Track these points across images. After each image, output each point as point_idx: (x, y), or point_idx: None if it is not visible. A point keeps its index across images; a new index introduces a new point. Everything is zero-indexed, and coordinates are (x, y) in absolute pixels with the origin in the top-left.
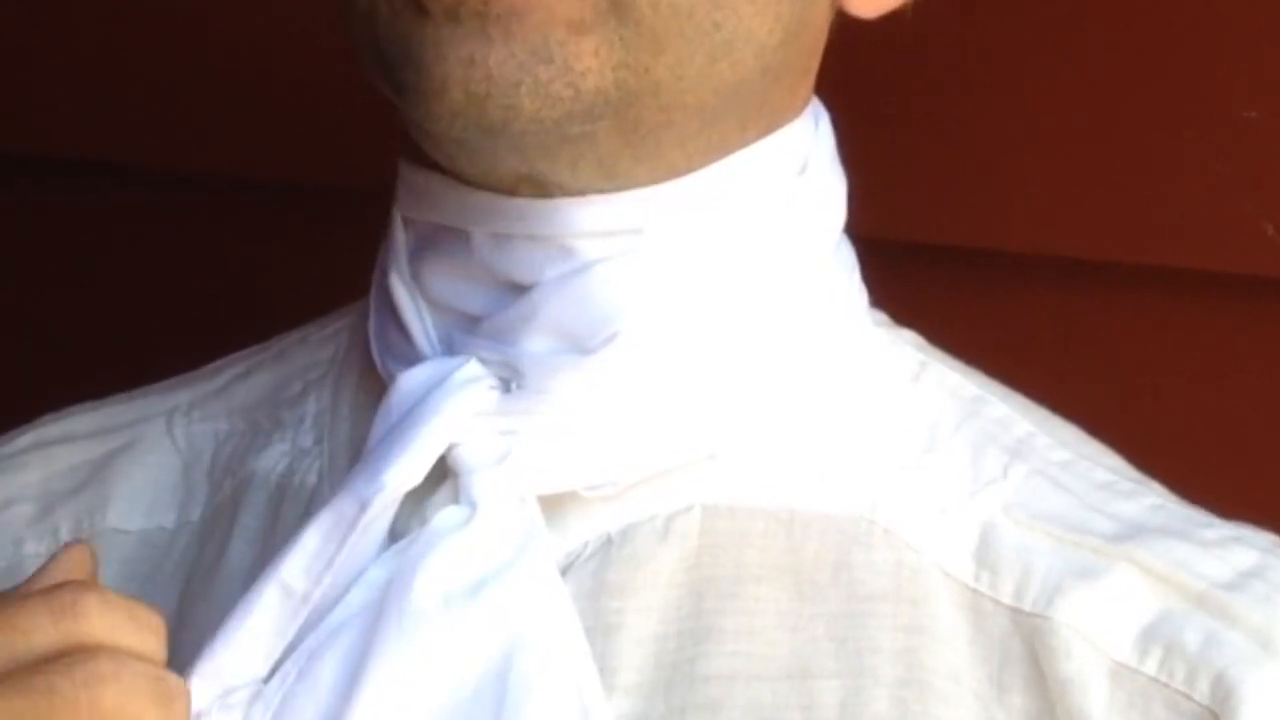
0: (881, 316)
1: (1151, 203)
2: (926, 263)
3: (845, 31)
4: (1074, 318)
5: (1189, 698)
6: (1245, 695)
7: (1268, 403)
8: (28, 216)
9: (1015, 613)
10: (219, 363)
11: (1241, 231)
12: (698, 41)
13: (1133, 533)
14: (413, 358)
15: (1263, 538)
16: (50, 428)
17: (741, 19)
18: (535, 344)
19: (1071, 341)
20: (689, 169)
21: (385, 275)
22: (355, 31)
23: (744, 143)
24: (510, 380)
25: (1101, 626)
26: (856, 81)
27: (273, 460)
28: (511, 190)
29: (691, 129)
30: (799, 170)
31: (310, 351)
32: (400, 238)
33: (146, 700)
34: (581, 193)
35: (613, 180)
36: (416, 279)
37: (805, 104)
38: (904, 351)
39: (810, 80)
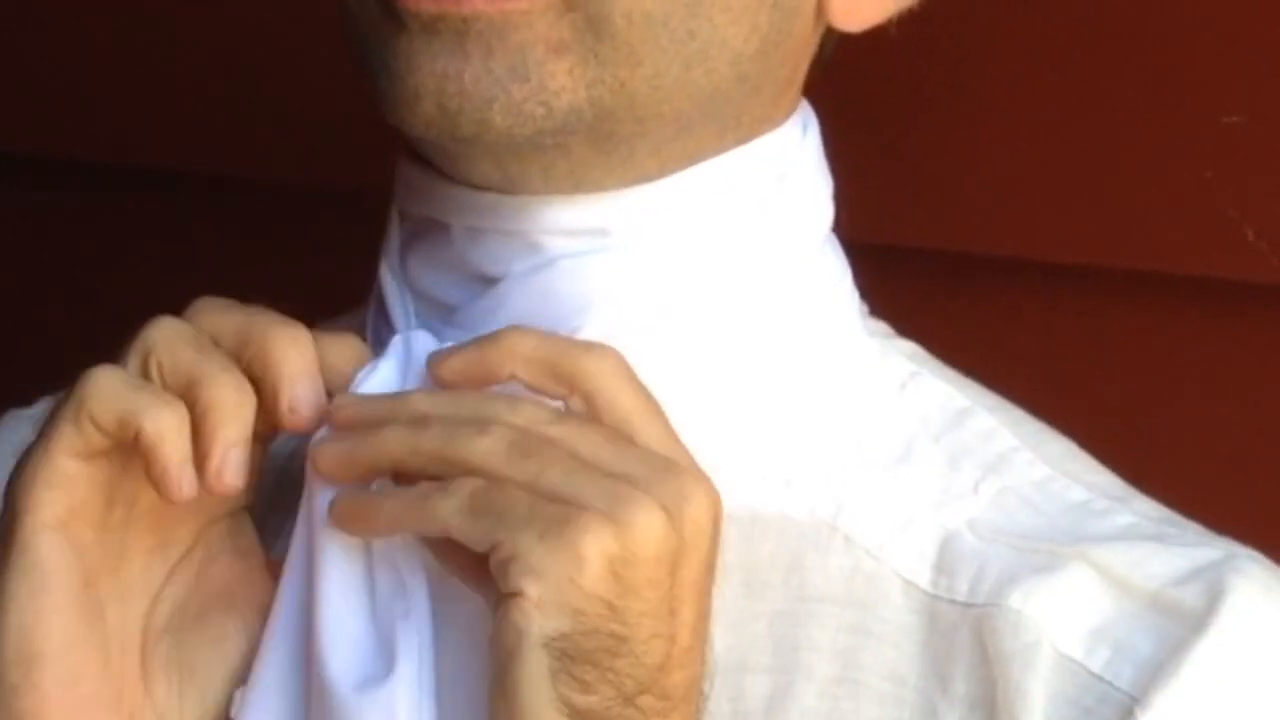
0: (880, 326)
1: (1133, 207)
2: (907, 266)
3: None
4: (1055, 321)
5: (1119, 689)
6: (1166, 680)
7: (1249, 406)
8: (28, 216)
9: (967, 607)
10: None
11: (1223, 236)
12: (673, 51)
13: (1096, 542)
14: None
15: (1235, 544)
16: None
17: (716, 27)
18: None
19: (1052, 345)
20: (661, 175)
21: (380, 267)
22: (347, 38)
23: (721, 150)
24: None
25: (1052, 615)
26: (841, 87)
27: (282, 441)
28: (486, 185)
29: (666, 136)
30: (779, 176)
31: None
32: (395, 230)
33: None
34: (551, 195)
35: (583, 187)
36: (405, 271)
37: (789, 113)
38: (895, 361)
39: (794, 89)
